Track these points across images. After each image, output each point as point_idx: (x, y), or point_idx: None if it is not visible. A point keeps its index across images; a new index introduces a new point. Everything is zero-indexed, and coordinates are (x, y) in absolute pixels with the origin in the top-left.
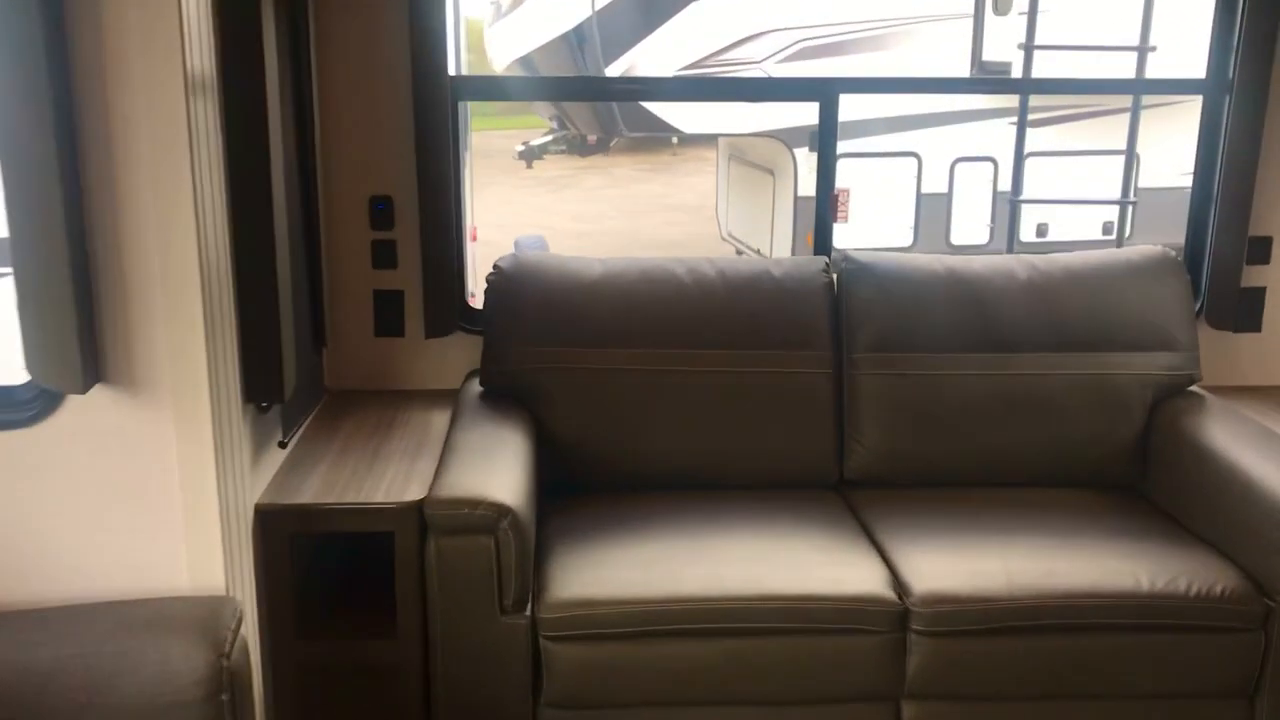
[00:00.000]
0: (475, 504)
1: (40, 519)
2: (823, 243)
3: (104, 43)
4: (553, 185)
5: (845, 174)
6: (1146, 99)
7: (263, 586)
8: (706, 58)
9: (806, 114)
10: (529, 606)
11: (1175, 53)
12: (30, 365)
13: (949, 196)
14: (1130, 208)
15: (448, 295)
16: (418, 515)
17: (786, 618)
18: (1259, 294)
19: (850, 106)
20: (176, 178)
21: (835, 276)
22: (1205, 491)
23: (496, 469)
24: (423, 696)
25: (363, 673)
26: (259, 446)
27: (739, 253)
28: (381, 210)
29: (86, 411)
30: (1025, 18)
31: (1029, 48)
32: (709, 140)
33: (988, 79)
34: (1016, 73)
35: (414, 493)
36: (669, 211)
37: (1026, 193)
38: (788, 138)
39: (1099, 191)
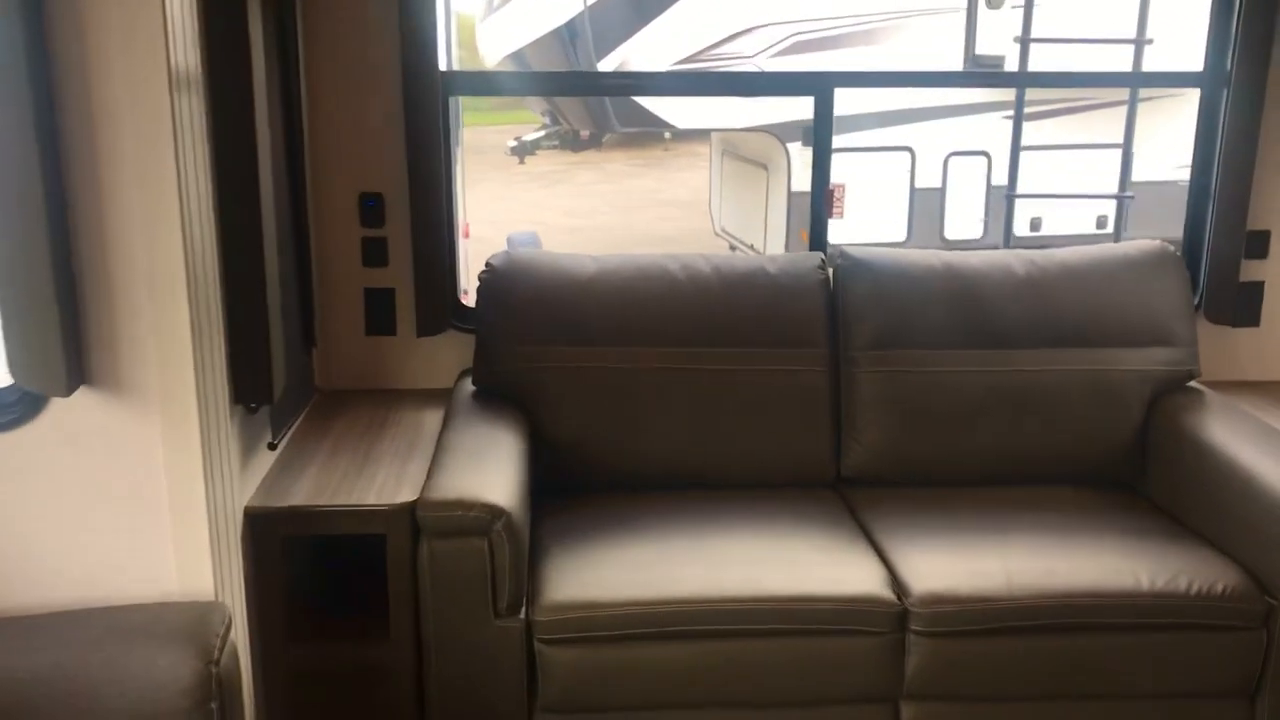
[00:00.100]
0: (468, 506)
1: (24, 524)
2: (818, 239)
3: (85, 38)
4: (545, 181)
5: (838, 169)
6: (1142, 92)
7: (252, 590)
8: (699, 52)
9: (800, 109)
10: (523, 609)
11: (1171, 46)
12: (12, 368)
13: (942, 191)
14: (1125, 202)
15: (439, 293)
16: (410, 517)
17: (784, 619)
18: (1257, 288)
19: (843, 101)
20: (161, 175)
21: (831, 273)
22: (1205, 488)
23: (490, 470)
24: (416, 701)
25: (355, 677)
26: (248, 448)
27: (732, 248)
28: (372, 207)
29: (71, 414)
30: (1017, 11)
31: (1025, 41)
32: (701, 135)
33: (984, 72)
34: (1009, 66)
35: (406, 494)
36: (662, 207)
37: (1021, 187)
38: (781, 132)
39: (1093, 185)
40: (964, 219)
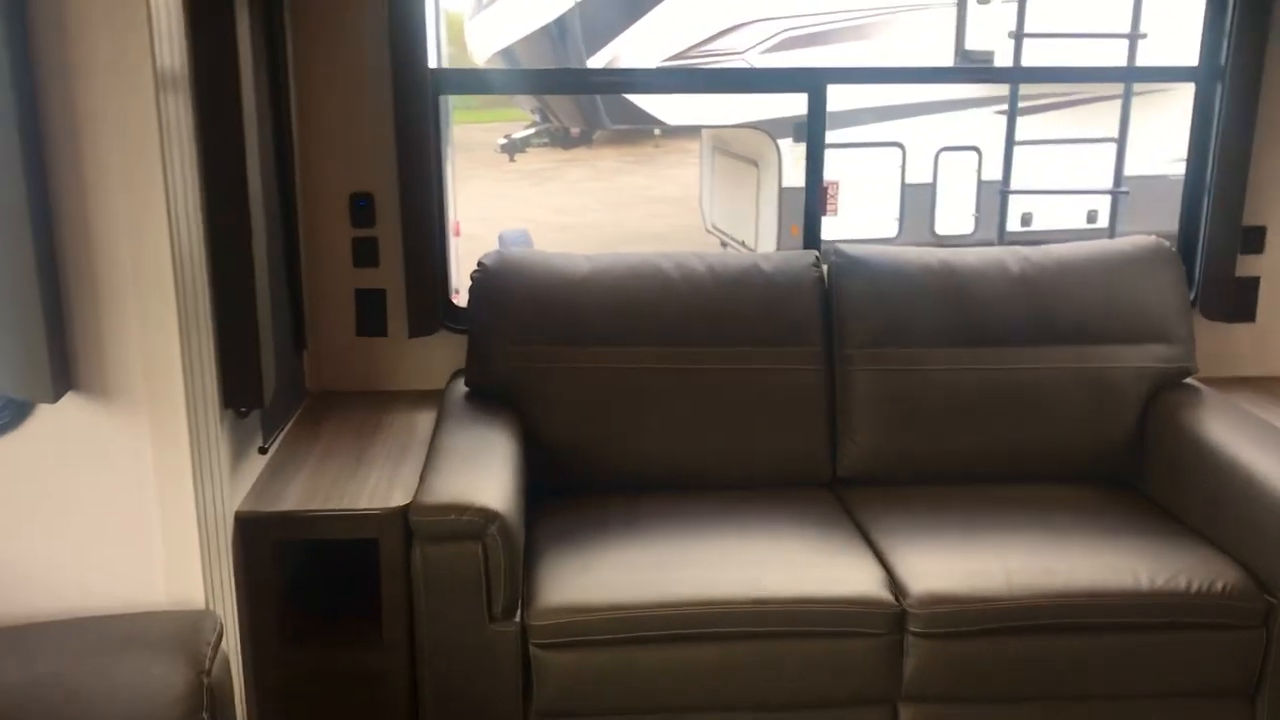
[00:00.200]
0: (462, 509)
1: (11, 533)
2: (812, 236)
3: (69, 36)
4: (535, 178)
5: (830, 165)
6: (1133, 86)
7: (244, 596)
8: (689, 49)
9: (790, 105)
10: (518, 613)
11: (1165, 40)
12: None
13: (933, 186)
14: (1119, 197)
15: (431, 293)
16: (403, 522)
17: (782, 621)
18: (1253, 284)
19: (833, 97)
20: (148, 177)
21: (826, 271)
22: (1203, 486)
23: (483, 472)
24: (410, 707)
25: (348, 682)
26: (238, 453)
27: (723, 244)
28: (362, 207)
29: (58, 421)
30: (1007, 6)
31: (1019, 36)
32: (691, 132)
33: (979, 68)
34: (999, 61)
35: (399, 498)
36: (652, 204)
37: (1014, 182)
38: (771, 129)
39: (1085, 179)
40: (955, 214)
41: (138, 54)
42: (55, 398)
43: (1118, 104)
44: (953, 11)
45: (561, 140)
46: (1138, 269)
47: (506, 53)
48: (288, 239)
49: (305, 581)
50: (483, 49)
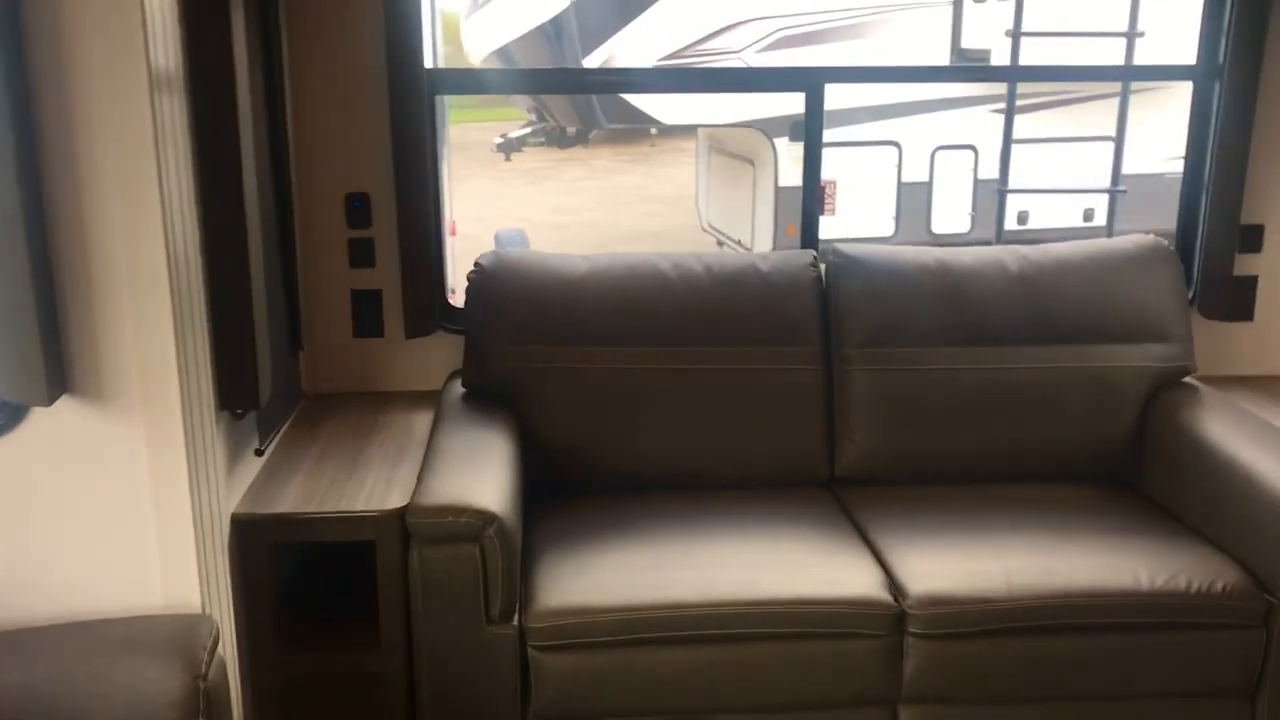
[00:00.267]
0: (459, 511)
1: (5, 537)
2: (809, 236)
3: (62, 37)
4: (531, 177)
5: (827, 164)
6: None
7: (240, 599)
8: (685, 48)
9: (786, 104)
10: (516, 615)
11: (1162, 39)
12: None
13: (929, 185)
14: (1117, 196)
15: (428, 294)
16: (400, 524)
17: (780, 623)
18: (1251, 283)
19: (828, 96)
20: (142, 177)
21: (823, 270)
22: (1203, 486)
23: (481, 474)
24: (408, 710)
25: (346, 685)
26: (234, 455)
27: (720, 243)
28: (358, 208)
29: (52, 424)
30: (1003, 5)
31: (1016, 34)
32: (687, 131)
33: (977, 67)
34: (996, 59)
35: (396, 500)
36: (648, 203)
37: (1010, 180)
38: (767, 128)
39: (1081, 178)
40: (952, 213)
41: (132, 55)
42: (50, 401)
43: (1112, 102)
44: (948, 10)
45: (558, 139)
46: (1136, 268)
47: (502, 52)
48: (284, 240)
49: (302, 584)
50: (478, 48)
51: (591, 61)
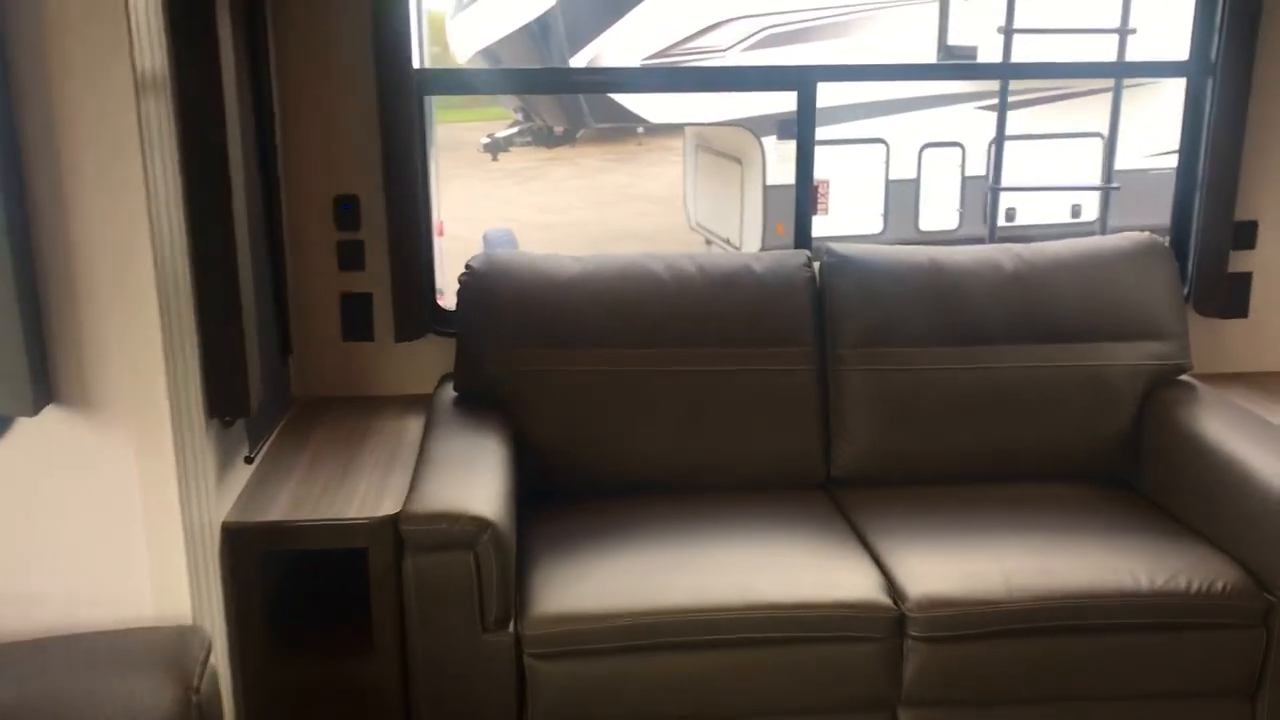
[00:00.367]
0: (454, 518)
1: None
2: (803, 235)
3: (45, 40)
4: (519, 177)
5: (815, 162)
6: (1111, 82)
7: (232, 608)
8: (671, 47)
9: (773, 102)
10: (512, 623)
11: (1153, 35)
12: None
13: (917, 182)
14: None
15: (418, 297)
16: (393, 531)
17: (778, 627)
18: (1245, 279)
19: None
20: (128, 183)
21: (817, 270)
22: (1201, 484)
23: (474, 479)
24: (403, 718)
25: (339, 696)
26: (224, 462)
27: (708, 242)
28: (347, 210)
29: (38, 435)
30: (991, 1)
31: (1008, 31)
32: (673, 129)
33: (971, 65)
34: (982, 55)
35: (388, 507)
36: (636, 201)
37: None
38: (755, 126)
39: (1069, 174)
40: (939, 210)
41: (117, 57)
42: (35, 411)
43: (1096, 99)
44: (934, 7)
45: (545, 139)
46: (1132, 266)
47: (488, 52)
48: (272, 243)
49: (294, 592)
50: (464, 48)
51: (578, 60)
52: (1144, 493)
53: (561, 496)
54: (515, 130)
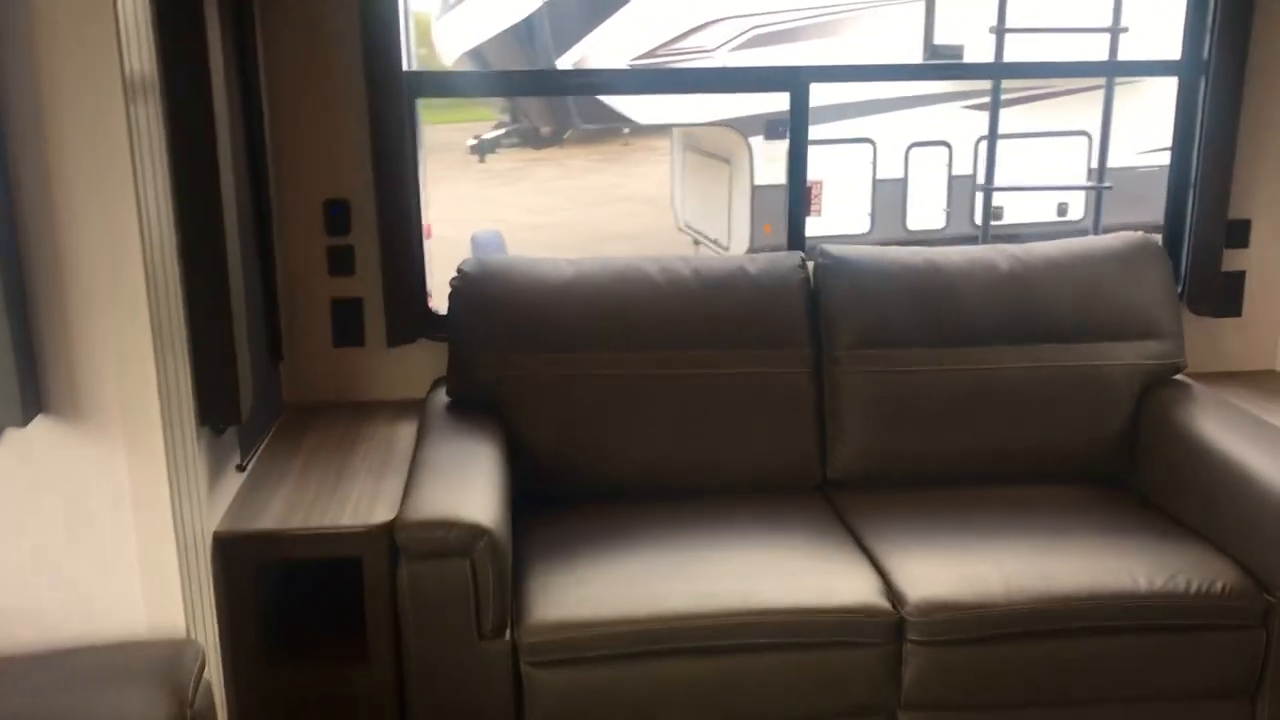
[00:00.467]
0: (449, 525)
1: None
2: (796, 237)
3: (34, 44)
4: (506, 178)
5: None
6: (1096, 80)
7: (225, 619)
8: (658, 47)
9: (761, 103)
10: (508, 631)
11: (1144, 33)
12: None
13: (904, 182)
14: (1102, 192)
15: (410, 301)
16: (387, 539)
17: (777, 632)
18: (1239, 278)
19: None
20: (118, 188)
21: (811, 271)
22: (1199, 485)
23: (469, 486)
24: None
25: (335, 705)
26: (215, 471)
27: (696, 243)
28: (337, 215)
29: (28, 445)
30: (977, 1)
31: (1000, 31)
32: (660, 130)
33: (964, 64)
34: (969, 55)
35: (382, 514)
36: (623, 202)
37: (985, 175)
38: (743, 127)
39: (1053, 172)
40: (926, 209)
41: (105, 62)
42: (25, 421)
43: (1083, 97)
44: (920, 7)
45: (532, 140)
46: (1126, 265)
47: (475, 53)
48: (262, 248)
49: (287, 599)
50: (451, 49)
51: (564, 62)
52: (1141, 493)
53: (556, 501)
54: (502, 132)
